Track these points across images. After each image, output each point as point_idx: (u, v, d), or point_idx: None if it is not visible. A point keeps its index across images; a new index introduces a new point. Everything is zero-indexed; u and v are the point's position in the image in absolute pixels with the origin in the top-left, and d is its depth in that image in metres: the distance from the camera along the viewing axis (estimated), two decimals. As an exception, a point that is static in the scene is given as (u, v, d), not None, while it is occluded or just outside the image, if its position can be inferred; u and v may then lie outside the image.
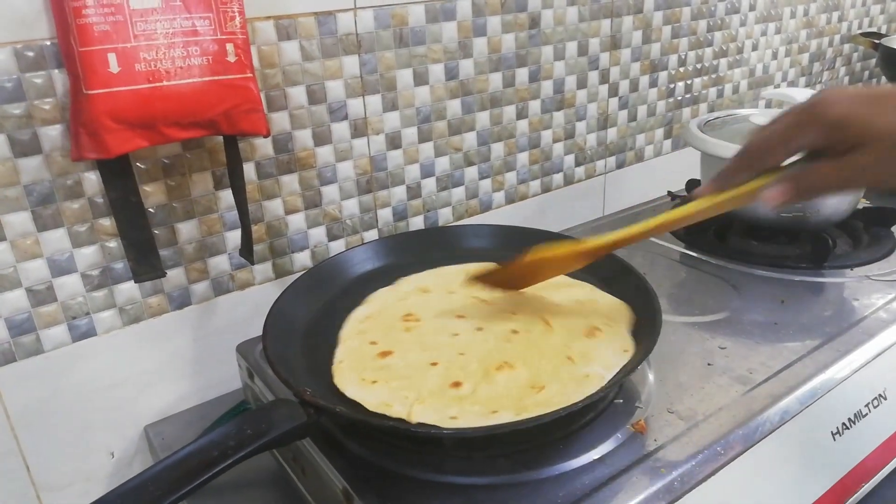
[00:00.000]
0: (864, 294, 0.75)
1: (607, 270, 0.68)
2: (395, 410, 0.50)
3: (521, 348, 0.57)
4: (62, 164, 0.63)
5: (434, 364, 0.56)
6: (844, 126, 0.45)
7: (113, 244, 0.67)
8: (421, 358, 0.57)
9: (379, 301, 0.67)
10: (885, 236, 0.87)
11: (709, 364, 0.64)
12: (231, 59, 0.62)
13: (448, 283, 0.69)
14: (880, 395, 0.67)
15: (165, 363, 0.74)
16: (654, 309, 0.59)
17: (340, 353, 0.59)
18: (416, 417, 0.50)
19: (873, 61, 1.54)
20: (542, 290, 0.65)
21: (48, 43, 0.59)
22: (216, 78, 0.62)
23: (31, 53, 0.59)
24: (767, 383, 0.61)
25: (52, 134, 0.62)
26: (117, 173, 0.63)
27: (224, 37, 0.62)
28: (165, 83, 0.60)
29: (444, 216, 0.92)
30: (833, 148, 0.46)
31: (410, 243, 0.77)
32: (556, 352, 0.57)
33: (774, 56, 1.29)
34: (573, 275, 0.68)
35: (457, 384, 0.53)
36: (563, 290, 0.66)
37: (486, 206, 0.95)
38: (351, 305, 0.67)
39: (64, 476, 0.71)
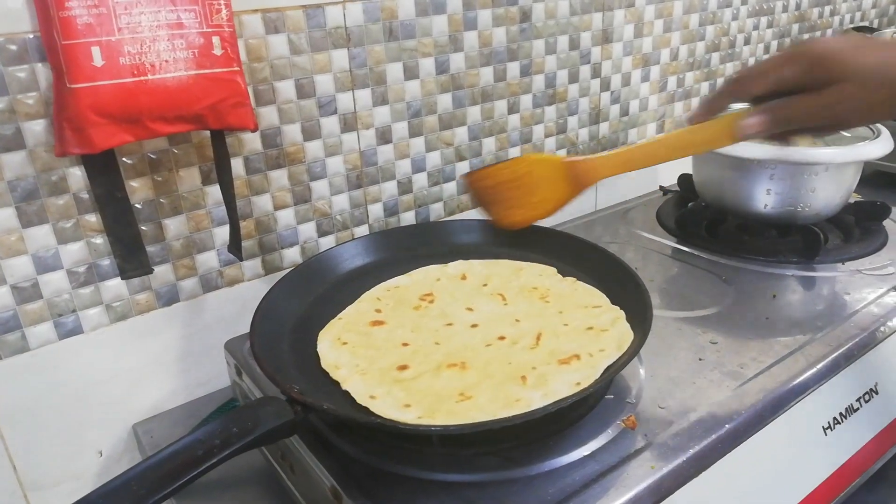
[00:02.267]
0: (856, 288, 0.75)
1: (599, 265, 0.68)
2: (340, 374, 0.55)
3: (491, 356, 0.56)
4: (46, 160, 0.62)
5: (405, 345, 0.58)
6: (827, 60, 0.48)
7: (99, 240, 0.67)
8: (401, 336, 0.60)
9: (417, 275, 0.70)
10: (876, 231, 0.87)
11: (700, 359, 0.64)
12: (217, 52, 0.62)
13: (491, 274, 0.69)
14: (871, 390, 0.67)
15: (153, 361, 0.73)
16: (646, 304, 0.59)
17: (346, 311, 0.64)
18: (347, 386, 0.54)
19: (865, 55, 1.53)
20: (567, 307, 0.62)
21: (31, 36, 0.58)
22: (202, 71, 0.61)
23: (13, 47, 0.58)
24: (759, 378, 0.61)
25: (36, 129, 0.61)
26: (102, 169, 0.62)
27: (210, 30, 0.61)
28: (150, 77, 0.59)
29: (436, 211, 0.91)
30: (814, 83, 0.49)
31: (401, 239, 0.77)
32: (518, 368, 0.54)
33: (766, 50, 1.28)
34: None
35: (403, 367, 0.55)
36: (588, 312, 0.61)
37: (478, 202, 0.95)
38: (342, 300, 0.67)
39: (51, 475, 0.70)
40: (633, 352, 0.54)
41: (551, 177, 0.63)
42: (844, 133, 0.85)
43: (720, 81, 1.22)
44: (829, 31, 1.41)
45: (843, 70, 0.47)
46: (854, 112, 0.49)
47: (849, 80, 0.47)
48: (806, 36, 1.36)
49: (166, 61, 0.59)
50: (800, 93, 0.49)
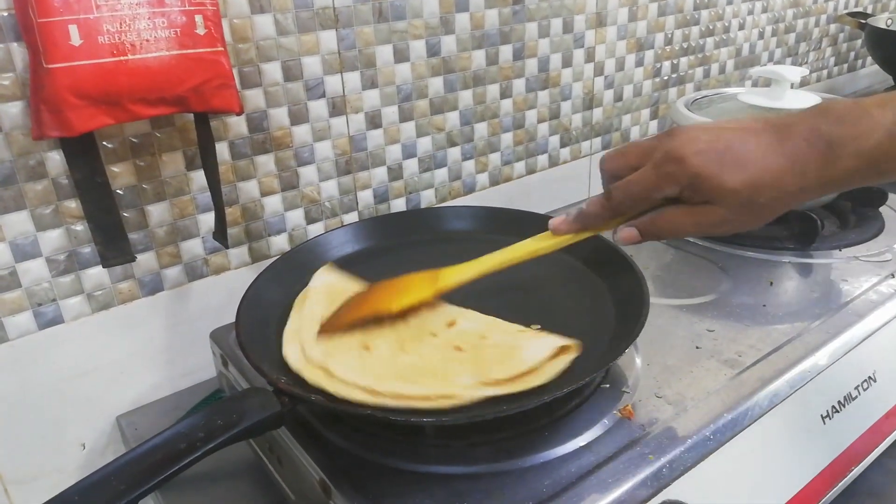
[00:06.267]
0: (853, 275, 0.74)
1: (593, 252, 0.66)
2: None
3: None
4: (23, 143, 0.60)
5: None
6: (698, 183, 0.47)
7: (79, 227, 0.65)
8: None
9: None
10: (873, 217, 0.86)
11: (697, 347, 0.63)
12: (200, 31, 0.59)
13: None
14: (870, 378, 0.66)
15: (137, 351, 0.72)
16: (641, 291, 0.58)
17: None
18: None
19: (859, 41, 1.52)
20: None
21: (5, 14, 0.56)
22: (184, 52, 0.59)
23: (-14, 25, 0.56)
24: (756, 366, 0.60)
25: (12, 111, 0.59)
26: (82, 152, 0.60)
27: (192, 8, 0.59)
28: (131, 57, 0.57)
29: (427, 198, 0.89)
30: (690, 199, 0.48)
31: (391, 226, 0.75)
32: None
33: (761, 35, 1.27)
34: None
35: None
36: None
37: (470, 188, 0.93)
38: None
39: (33, 469, 0.69)
40: (629, 340, 0.53)
41: (416, 281, 0.60)
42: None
43: (714, 67, 1.20)
44: (824, 17, 1.40)
45: (715, 192, 0.47)
46: (720, 227, 0.49)
47: (722, 202, 0.47)
48: (800, 22, 1.34)
49: (147, 41, 0.57)
50: (673, 202, 0.50)
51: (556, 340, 0.53)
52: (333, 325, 0.56)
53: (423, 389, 0.48)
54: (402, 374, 0.50)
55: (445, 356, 0.53)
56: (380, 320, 0.57)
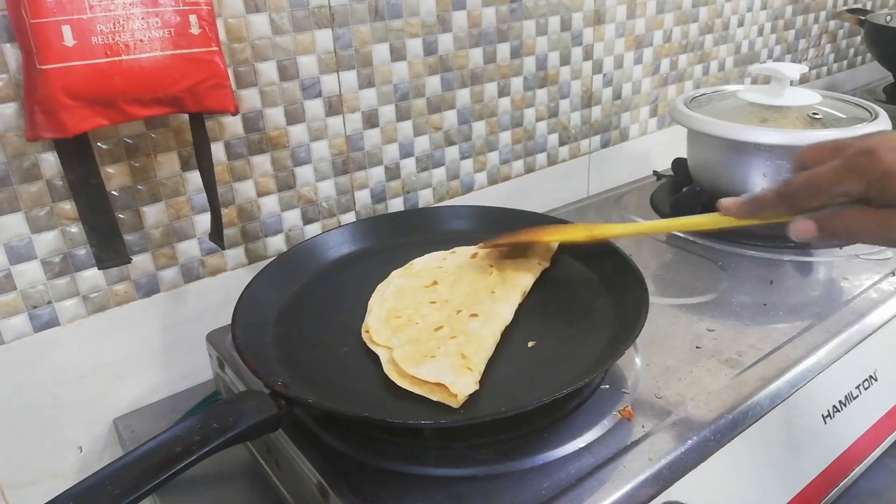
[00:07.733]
0: (854, 274, 0.74)
1: (592, 251, 0.66)
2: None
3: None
4: (17, 145, 0.59)
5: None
6: (887, 181, 0.42)
7: (74, 229, 0.64)
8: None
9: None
10: (874, 214, 0.86)
11: (697, 347, 0.62)
12: (195, 31, 0.59)
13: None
14: (871, 377, 0.65)
15: (134, 353, 0.71)
16: (641, 291, 0.57)
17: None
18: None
19: (858, 38, 1.52)
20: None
21: (-2, 15, 0.56)
22: (179, 52, 0.58)
23: (-22, 26, 0.55)
24: (757, 366, 0.60)
25: (6, 112, 0.58)
26: (76, 154, 0.60)
27: (186, 7, 0.58)
28: (125, 57, 0.56)
29: (425, 198, 0.89)
30: (877, 199, 0.43)
31: (389, 226, 0.75)
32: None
33: (760, 32, 1.27)
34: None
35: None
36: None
37: (468, 188, 0.93)
38: (328, 289, 0.64)
39: (30, 472, 0.68)
40: (629, 341, 0.52)
41: (573, 227, 0.68)
42: (839, 114, 0.84)
43: (713, 65, 1.20)
44: (823, 14, 1.39)
45: None
46: None
47: None
48: (799, 19, 1.34)
49: (141, 41, 0.57)
50: (854, 204, 0.44)
51: (452, 377, 0.50)
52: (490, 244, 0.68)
53: None
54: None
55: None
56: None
